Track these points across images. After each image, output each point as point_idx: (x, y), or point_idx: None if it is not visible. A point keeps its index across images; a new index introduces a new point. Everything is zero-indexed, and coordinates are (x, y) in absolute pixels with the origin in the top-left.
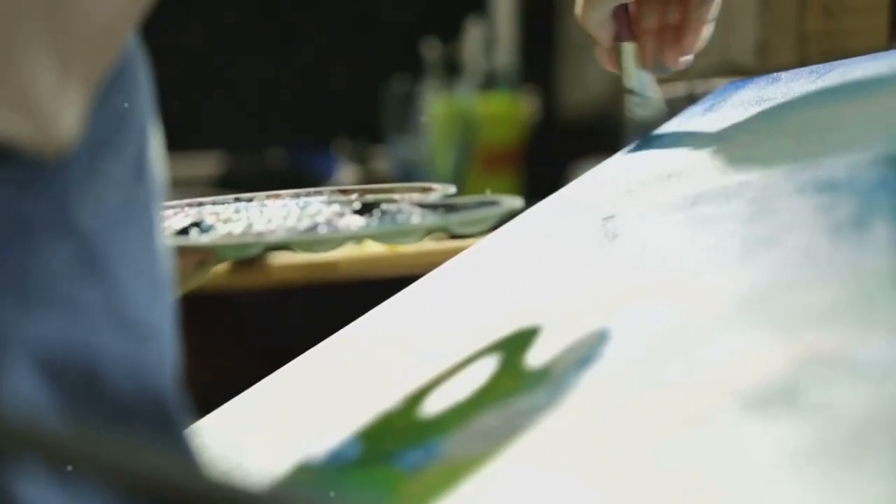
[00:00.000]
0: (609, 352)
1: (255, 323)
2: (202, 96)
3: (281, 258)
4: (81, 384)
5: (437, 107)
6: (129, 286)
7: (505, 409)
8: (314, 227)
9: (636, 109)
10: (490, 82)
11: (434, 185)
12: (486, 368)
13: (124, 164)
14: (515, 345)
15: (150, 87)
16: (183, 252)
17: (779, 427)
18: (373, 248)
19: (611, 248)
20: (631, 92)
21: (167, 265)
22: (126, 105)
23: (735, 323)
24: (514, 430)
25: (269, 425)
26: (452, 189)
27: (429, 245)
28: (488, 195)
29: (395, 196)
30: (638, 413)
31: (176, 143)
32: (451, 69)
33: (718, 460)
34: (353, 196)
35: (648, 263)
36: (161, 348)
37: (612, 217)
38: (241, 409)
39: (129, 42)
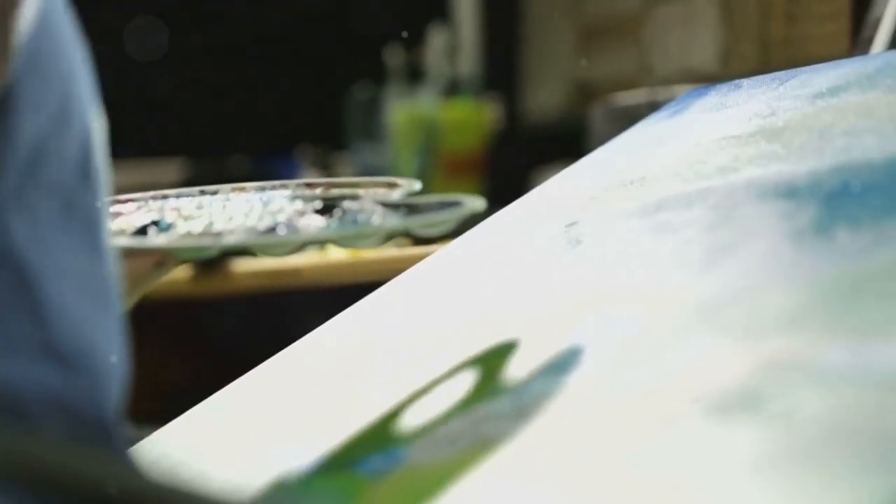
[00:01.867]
0: (573, 359)
1: (218, 330)
2: (165, 103)
3: (243, 265)
4: (7, 421)
5: (399, 113)
6: (65, 305)
7: (470, 415)
8: (274, 228)
9: None
10: (453, 89)
11: (399, 181)
12: (455, 376)
13: (65, 166)
14: (485, 352)
15: (92, 84)
16: (139, 253)
17: (741, 432)
18: (336, 255)
19: (574, 254)
20: None
21: (114, 270)
22: (66, 104)
23: (698, 329)
24: (479, 435)
25: (231, 432)
26: (417, 185)
27: (392, 251)
28: (450, 195)
29: (360, 191)
30: (601, 419)
31: (138, 149)
32: (414, 76)
33: (680, 466)
34: (318, 190)
35: (611, 270)
36: (100, 371)
37: (575, 223)
38: (204, 417)
39: (67, 39)
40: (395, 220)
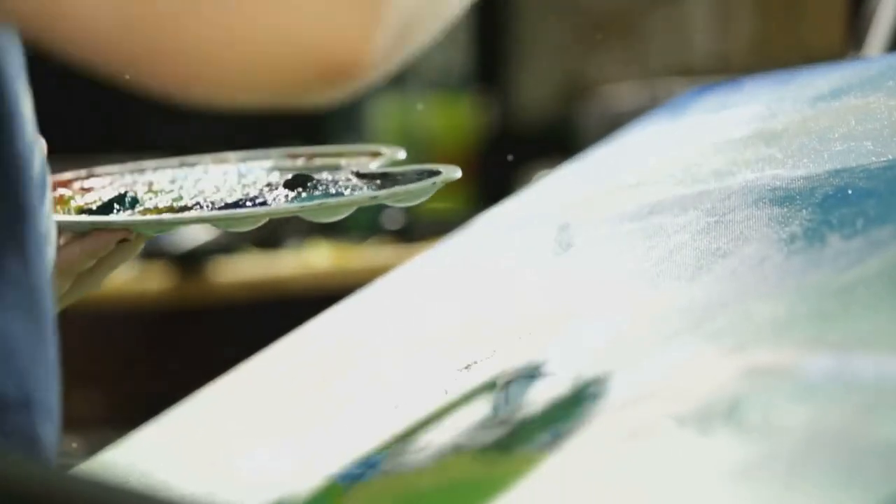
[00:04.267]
0: (555, 364)
1: (200, 339)
2: (145, 100)
3: (225, 274)
4: None
5: (385, 110)
6: None
7: (446, 424)
8: (239, 202)
9: None
10: (441, 86)
11: (383, 149)
12: (435, 383)
13: None
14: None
15: (30, 106)
16: (101, 230)
17: (718, 442)
18: (318, 263)
19: (563, 257)
20: None
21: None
22: None
23: (682, 336)
24: (454, 444)
25: (206, 437)
26: (401, 154)
27: (377, 258)
28: (428, 165)
29: (342, 161)
30: (579, 426)
31: (119, 146)
32: (401, 72)
33: (656, 475)
34: (300, 161)
35: (600, 275)
36: (24, 367)
37: (567, 226)
38: (178, 422)
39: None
40: (361, 193)
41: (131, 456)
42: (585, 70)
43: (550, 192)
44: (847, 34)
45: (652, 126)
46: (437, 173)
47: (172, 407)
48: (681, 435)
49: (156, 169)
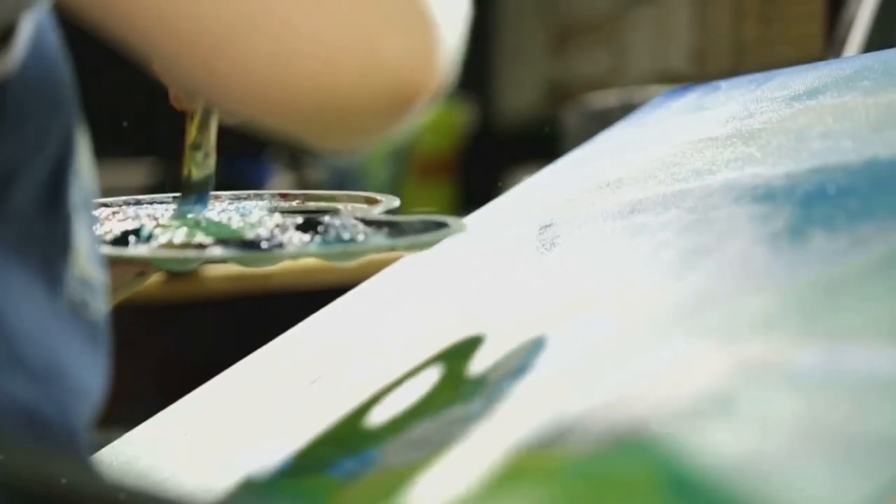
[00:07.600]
0: (546, 362)
1: (189, 334)
2: (133, 103)
3: (215, 270)
4: None
5: None
6: (28, 327)
7: (440, 418)
8: (257, 242)
9: (194, 168)
10: None
11: (378, 197)
12: (427, 379)
13: (31, 189)
14: (458, 355)
15: (74, 95)
16: (120, 262)
17: (714, 437)
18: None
19: (549, 257)
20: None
21: (90, 282)
22: (43, 131)
23: (673, 332)
24: (449, 438)
25: (201, 435)
26: (396, 202)
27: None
28: (433, 215)
29: (338, 205)
30: (574, 423)
31: (106, 151)
32: None
33: (654, 471)
34: (295, 202)
35: (586, 273)
36: (70, 387)
37: (549, 226)
38: (174, 420)
39: (53, 66)
40: (381, 240)
41: (128, 454)
42: (568, 75)
43: (533, 194)
44: (826, 40)
45: (631, 127)
46: (444, 224)
47: (164, 403)
48: (677, 430)
49: (152, 202)
